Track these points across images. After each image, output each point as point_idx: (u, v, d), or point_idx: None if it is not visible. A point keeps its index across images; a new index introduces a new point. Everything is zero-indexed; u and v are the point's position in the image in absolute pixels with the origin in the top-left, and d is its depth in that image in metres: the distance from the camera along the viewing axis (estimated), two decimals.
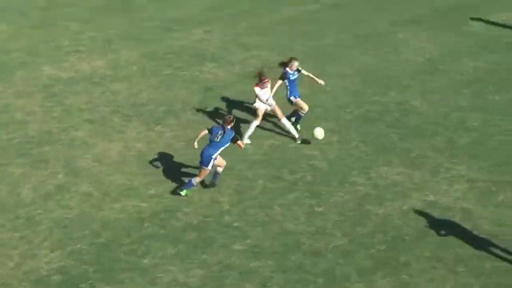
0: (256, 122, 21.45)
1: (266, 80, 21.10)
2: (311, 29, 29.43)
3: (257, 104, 21.34)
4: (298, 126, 22.00)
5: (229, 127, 19.04)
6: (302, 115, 22.00)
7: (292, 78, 21.43)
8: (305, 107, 21.85)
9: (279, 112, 21.46)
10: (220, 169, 19.30)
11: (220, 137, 18.86)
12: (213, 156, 18.73)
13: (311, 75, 21.81)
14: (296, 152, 21.11)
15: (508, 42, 28.93)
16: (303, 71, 21.63)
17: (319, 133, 20.62)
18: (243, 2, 31.74)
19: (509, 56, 27.68)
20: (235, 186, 19.44)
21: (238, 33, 28.49)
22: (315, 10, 31.32)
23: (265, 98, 21.10)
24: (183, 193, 18.90)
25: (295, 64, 21.36)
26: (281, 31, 29.02)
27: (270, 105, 21.36)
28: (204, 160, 18.76)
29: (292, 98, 21.63)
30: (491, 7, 32.22)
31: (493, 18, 31.15)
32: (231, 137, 19.04)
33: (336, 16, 30.76)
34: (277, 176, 19.96)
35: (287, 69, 21.36)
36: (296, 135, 21.60)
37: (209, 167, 18.82)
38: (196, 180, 18.96)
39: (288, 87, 21.53)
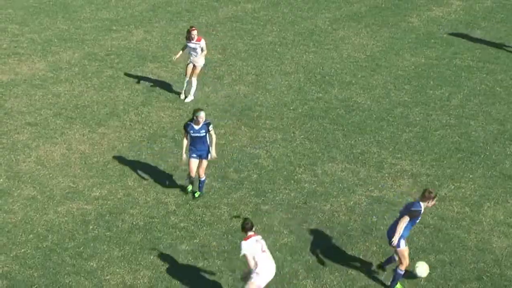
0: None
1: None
2: (252, 28, 29.50)
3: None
4: None
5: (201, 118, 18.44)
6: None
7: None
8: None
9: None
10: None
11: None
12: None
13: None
14: (241, 151, 21.12)
15: (446, 37, 29.31)
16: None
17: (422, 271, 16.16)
18: (182, 1, 31.65)
19: (448, 51, 28.05)
20: (180, 186, 19.37)
21: (179, 33, 28.37)
22: (255, 9, 31.36)
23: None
24: (196, 194, 18.99)
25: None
26: (222, 30, 29.03)
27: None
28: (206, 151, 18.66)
29: None
30: (429, 3, 32.65)
31: (431, 14, 31.56)
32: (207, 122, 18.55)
33: (276, 14, 30.86)
34: (223, 175, 19.94)
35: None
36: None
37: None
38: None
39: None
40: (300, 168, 20.39)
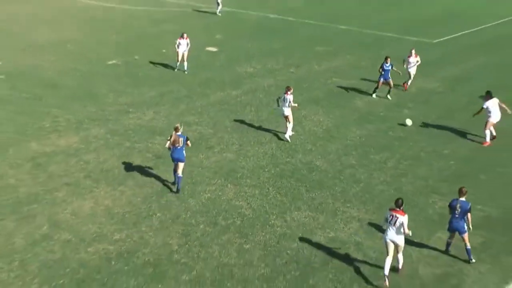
0: None
1: None
2: (235, 109, 29.70)
3: None
4: None
5: (179, 133, 21.22)
6: None
7: None
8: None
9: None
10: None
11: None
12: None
13: None
14: (228, 203, 21.19)
15: (382, 115, 29.62)
16: None
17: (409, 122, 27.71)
18: (183, 90, 31.92)
19: (384, 125, 28.33)
20: (181, 231, 19.40)
21: (180, 113, 28.61)
22: (237, 95, 31.68)
23: None
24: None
25: None
26: (212, 111, 29.25)
27: None
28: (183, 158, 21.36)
29: None
30: (368, 90, 33.02)
31: (371, 98, 31.93)
32: (185, 138, 21.31)
33: (254, 99, 31.09)
34: (214, 222, 19.99)
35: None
36: None
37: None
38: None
39: None
40: (273, 216, 20.47)
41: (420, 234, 19.47)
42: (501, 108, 26.66)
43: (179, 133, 21.35)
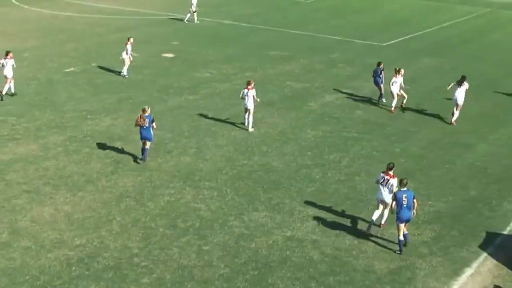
0: None
1: None
2: (193, 113, 29.40)
3: None
4: None
5: (146, 114, 23.31)
6: None
7: None
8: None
9: None
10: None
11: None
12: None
13: None
14: (186, 205, 20.92)
15: (336, 116, 29.67)
16: None
17: None
18: (141, 96, 31.53)
19: (338, 126, 28.39)
20: (141, 235, 19.08)
21: None
22: (195, 99, 31.41)
23: None
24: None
25: None
26: (171, 116, 28.94)
27: None
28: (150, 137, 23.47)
29: None
30: (323, 92, 33.11)
31: (324, 100, 31.98)
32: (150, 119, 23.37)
33: (211, 103, 30.84)
34: (173, 224, 19.72)
35: None
36: None
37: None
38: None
39: None
40: (232, 217, 20.28)
41: (375, 230, 19.45)
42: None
43: (146, 114, 23.32)
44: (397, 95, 29.96)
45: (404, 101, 30.29)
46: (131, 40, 34.55)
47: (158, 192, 21.69)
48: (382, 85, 31.23)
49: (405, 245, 18.56)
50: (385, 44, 43.86)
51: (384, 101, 31.38)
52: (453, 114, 29.03)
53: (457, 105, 28.87)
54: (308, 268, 17.68)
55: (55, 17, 49.82)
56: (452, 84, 29.34)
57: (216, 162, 24.30)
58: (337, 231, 19.51)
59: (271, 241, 18.94)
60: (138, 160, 23.84)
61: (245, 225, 19.82)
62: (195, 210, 20.61)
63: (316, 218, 20.32)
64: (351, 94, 32.92)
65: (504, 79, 35.73)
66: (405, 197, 18.14)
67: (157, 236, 19.01)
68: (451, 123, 28.91)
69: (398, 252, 18.40)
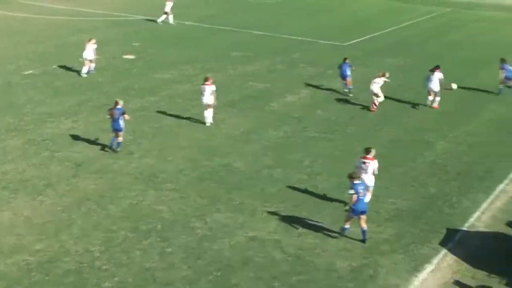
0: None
1: None
2: (155, 115, 29.29)
3: None
4: None
5: (118, 106, 24.58)
6: None
7: None
8: None
9: None
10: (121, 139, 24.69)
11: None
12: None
13: None
14: (148, 208, 20.84)
15: (298, 116, 29.80)
16: None
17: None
18: (101, 98, 31.27)
19: (299, 126, 28.52)
20: (103, 238, 18.95)
21: (99, 121, 27.93)
22: (156, 101, 31.29)
23: None
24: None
25: None
26: (132, 118, 28.66)
27: None
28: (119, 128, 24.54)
29: None
30: (284, 92, 33.25)
31: (286, 100, 32.12)
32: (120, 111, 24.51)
33: (173, 104, 30.75)
34: (135, 227, 19.61)
35: None
36: None
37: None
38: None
39: None
40: (194, 218, 20.24)
41: (337, 229, 19.59)
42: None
43: (118, 106, 24.59)
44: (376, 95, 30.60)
45: (379, 101, 30.72)
46: (93, 41, 34.46)
47: (119, 194, 21.57)
48: (349, 79, 32.36)
49: (364, 241, 18.82)
50: (346, 44, 44.20)
51: (346, 91, 32.57)
52: (430, 101, 31.32)
53: (433, 92, 31.11)
54: (270, 268, 17.75)
55: (11, 18, 49.22)
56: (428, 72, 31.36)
57: (178, 163, 24.25)
58: (299, 231, 19.62)
59: (233, 242, 18.96)
60: (110, 150, 24.76)
61: (207, 226, 19.81)
62: (157, 212, 20.53)
63: (279, 218, 20.38)
64: (312, 94, 33.13)
65: (464, 79, 36.28)
66: (361, 189, 18.75)
67: (119, 239, 18.91)
68: (432, 107, 31.22)
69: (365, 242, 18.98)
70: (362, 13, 56.68)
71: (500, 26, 53.50)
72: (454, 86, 33.49)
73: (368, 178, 20.37)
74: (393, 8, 59.46)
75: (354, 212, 18.74)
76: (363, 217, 18.90)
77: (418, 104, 31.52)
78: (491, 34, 49.74)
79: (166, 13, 48.71)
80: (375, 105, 30.57)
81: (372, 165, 20.51)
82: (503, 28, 52.43)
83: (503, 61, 33.53)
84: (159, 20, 48.58)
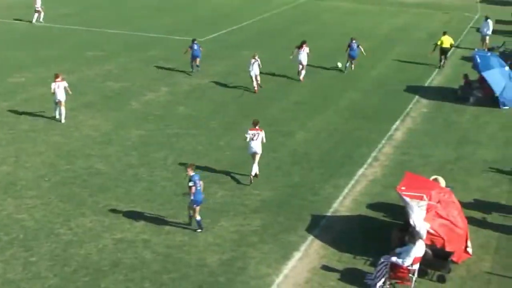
0: None
1: None
2: (8, 120, 28.15)
3: None
4: None
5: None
6: None
7: None
8: None
9: None
10: None
11: None
12: None
13: None
14: (9, 217, 20.06)
15: (159, 114, 29.67)
16: None
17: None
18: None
19: (161, 124, 28.38)
20: None
21: None
22: (10, 105, 30.07)
23: None
24: None
25: None
26: None
27: None
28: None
29: None
30: (144, 90, 32.97)
31: (146, 98, 31.85)
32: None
33: (28, 108, 29.66)
34: None
35: None
36: None
37: None
38: None
39: None
40: (58, 225, 19.72)
41: (204, 224, 19.74)
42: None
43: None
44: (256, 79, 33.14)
45: (258, 83, 33.23)
46: None
47: None
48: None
49: (200, 230, 19.56)
50: (204, 38, 44.38)
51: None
52: (299, 74, 35.25)
53: (302, 65, 35.03)
54: (141, 268, 17.63)
55: None
56: (295, 49, 35.17)
57: (38, 169, 23.50)
58: (167, 229, 19.60)
59: (101, 245, 18.66)
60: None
61: (72, 231, 19.37)
62: (18, 221, 19.82)
63: (145, 217, 20.27)
64: (172, 91, 33.10)
65: (319, 69, 37.51)
66: (198, 180, 19.36)
67: None
68: (299, 80, 35.12)
69: (200, 230, 19.39)
70: (221, 8, 57.11)
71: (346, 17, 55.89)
72: (339, 64, 37.64)
73: (258, 146, 22.74)
74: (251, 0, 60.54)
75: (196, 203, 19.26)
76: (198, 208, 19.47)
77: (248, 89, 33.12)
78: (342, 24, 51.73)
79: (37, 11, 47.24)
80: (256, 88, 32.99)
81: (261, 134, 22.80)
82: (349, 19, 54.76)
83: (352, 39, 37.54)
84: (34, 20, 47.13)
